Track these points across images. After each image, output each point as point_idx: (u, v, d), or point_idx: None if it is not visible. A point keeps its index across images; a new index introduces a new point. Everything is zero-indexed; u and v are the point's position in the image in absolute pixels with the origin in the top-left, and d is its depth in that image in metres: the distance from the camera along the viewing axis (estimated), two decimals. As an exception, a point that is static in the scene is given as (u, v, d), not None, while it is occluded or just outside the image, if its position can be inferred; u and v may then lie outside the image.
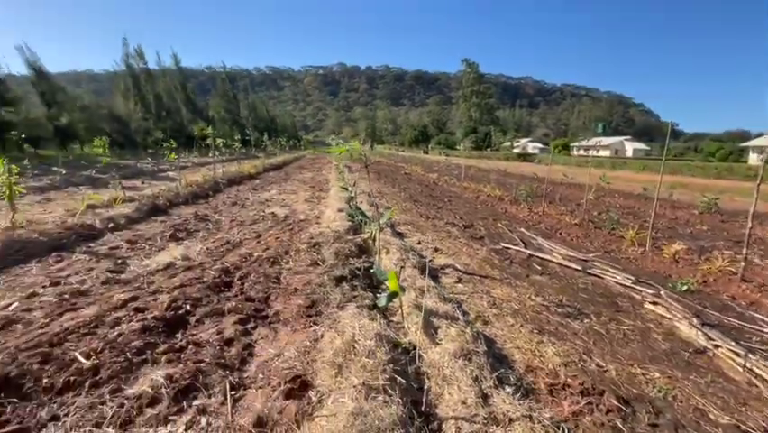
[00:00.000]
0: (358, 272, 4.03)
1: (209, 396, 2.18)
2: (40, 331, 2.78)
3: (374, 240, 5.18)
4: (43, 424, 1.91)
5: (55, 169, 12.21)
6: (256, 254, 4.97)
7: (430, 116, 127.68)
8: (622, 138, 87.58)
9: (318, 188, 12.97)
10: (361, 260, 4.52)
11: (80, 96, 29.71)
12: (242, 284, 3.91)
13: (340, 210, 7.30)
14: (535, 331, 3.19)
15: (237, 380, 2.36)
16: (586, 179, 10.85)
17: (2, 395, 2.06)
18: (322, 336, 2.80)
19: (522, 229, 7.51)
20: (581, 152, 69.10)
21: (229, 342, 2.78)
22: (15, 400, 2.04)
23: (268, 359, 2.64)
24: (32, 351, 2.45)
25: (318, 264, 4.69)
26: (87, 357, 2.38)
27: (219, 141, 14.35)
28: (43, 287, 3.59)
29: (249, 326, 3.07)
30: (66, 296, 3.39)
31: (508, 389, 2.16)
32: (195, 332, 2.89)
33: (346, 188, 11.03)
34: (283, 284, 4.05)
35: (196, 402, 2.12)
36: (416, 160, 40.39)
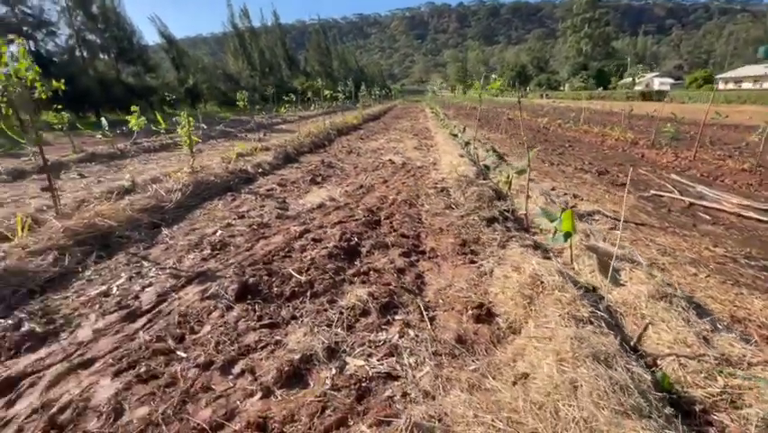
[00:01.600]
0: (507, 214, 3.98)
1: (407, 313, 2.45)
2: (249, 252, 3.36)
3: (509, 184, 5.03)
4: (287, 321, 2.36)
5: (196, 124, 14.07)
6: (391, 197, 5.21)
7: (529, 54, 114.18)
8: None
9: (422, 135, 12.84)
10: (503, 203, 4.44)
11: (200, 58, 33.08)
12: (391, 223, 4.17)
13: (461, 156, 7.17)
14: (729, 282, 2.85)
15: (422, 303, 2.59)
16: (744, 118, 8.84)
17: (249, 298, 2.58)
18: (491, 271, 2.88)
19: (673, 176, 6.55)
20: (730, 85, 55.93)
21: (401, 271, 3.03)
22: (259, 301, 2.55)
23: (440, 288, 2.83)
24: (253, 267, 3.00)
25: (453, 207, 4.76)
26: (300, 273, 2.82)
27: (327, 92, 14.84)
28: (234, 219, 4.30)
29: (412, 258, 3.30)
30: (254, 226, 4.01)
31: (727, 334, 2.00)
32: (370, 260, 3.20)
33: (455, 135, 10.75)
34: (426, 224, 4.22)
35: (397, 317, 2.40)
36: (514, 104, 37.11)
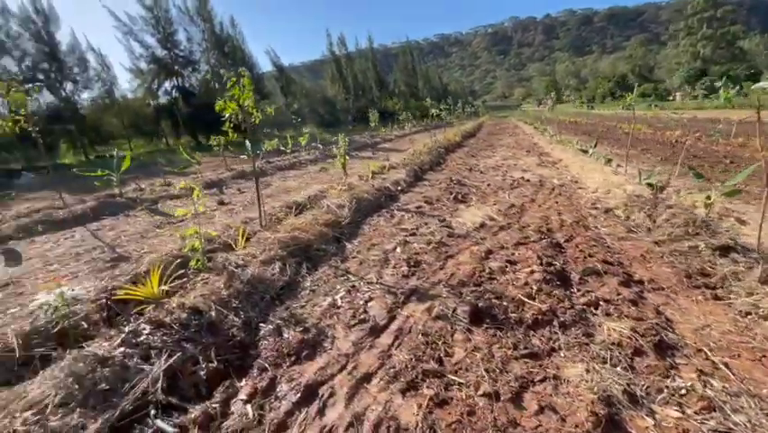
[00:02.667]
0: (730, 242, 3.39)
1: (687, 357, 2.11)
2: (443, 271, 3.31)
3: (709, 207, 4.35)
4: (547, 353, 2.18)
5: (314, 144, 15.20)
6: (554, 218, 4.86)
7: (629, 62, 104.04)
8: None
9: (536, 152, 12.17)
10: (707, 228, 3.82)
11: (303, 84, 36.25)
12: (576, 246, 3.83)
13: (614, 173, 6.52)
14: None
15: (691, 345, 2.22)
16: None
17: (486, 322, 2.48)
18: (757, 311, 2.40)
19: None
20: None
21: (633, 303, 2.69)
22: (500, 327, 2.42)
23: (696, 328, 2.42)
24: (468, 288, 2.91)
25: (634, 231, 4.26)
26: (530, 299, 2.65)
27: (434, 111, 15.03)
28: (405, 236, 4.34)
29: (633, 288, 2.93)
30: (433, 244, 3.99)
31: None
32: (588, 288, 2.92)
33: (585, 151, 9.95)
34: (616, 249, 3.79)
35: (678, 360, 2.08)
36: (621, 117, 33.75)
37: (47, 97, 15.60)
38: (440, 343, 2.31)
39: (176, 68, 20.74)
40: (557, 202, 5.69)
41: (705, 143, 12.70)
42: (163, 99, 21.31)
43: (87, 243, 4.78)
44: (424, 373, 2.04)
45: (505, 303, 2.63)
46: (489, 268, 3.30)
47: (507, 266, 3.31)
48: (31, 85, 14.11)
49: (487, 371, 2.03)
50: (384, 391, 1.94)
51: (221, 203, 6.65)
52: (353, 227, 4.71)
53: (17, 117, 5.90)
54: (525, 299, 2.65)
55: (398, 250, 3.95)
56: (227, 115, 4.19)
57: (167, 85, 21.34)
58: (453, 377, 2.01)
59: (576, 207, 5.37)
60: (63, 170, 13.67)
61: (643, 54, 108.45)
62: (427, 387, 1.94)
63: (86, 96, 17.22)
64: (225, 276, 2.87)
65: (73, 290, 2.35)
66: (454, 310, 2.62)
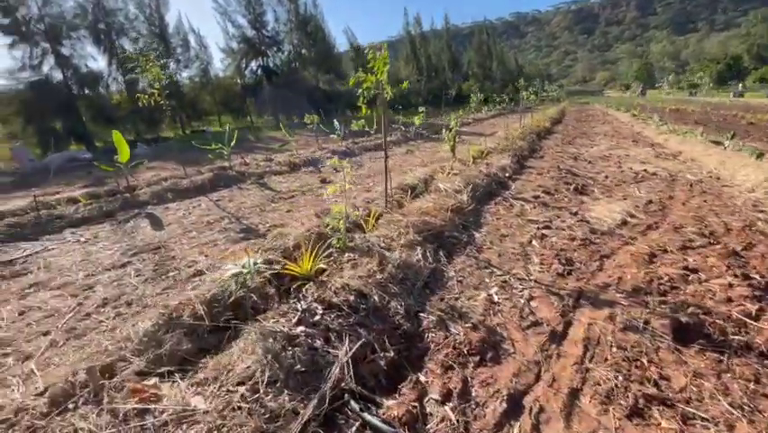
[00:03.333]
0: None
1: None
2: (605, 274, 2.90)
3: None
4: None
5: (395, 126, 15.02)
6: (711, 219, 4.14)
7: (745, 41, 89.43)
8: None
9: (644, 142, 10.81)
10: None
11: (377, 65, 35.99)
12: (763, 256, 3.17)
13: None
14: None
15: None
16: None
17: (697, 341, 2.07)
18: None
19: None
20: None
21: None
22: (720, 350, 2.01)
23: None
24: (651, 297, 2.50)
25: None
26: (753, 319, 2.18)
27: (524, 93, 14.00)
28: (537, 228, 3.96)
29: None
30: (576, 241, 3.57)
31: None
32: (817, 313, 2.35)
33: (718, 142, 8.59)
34: (820, 265, 3.08)
35: None
36: (733, 106, 29.19)
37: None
38: (644, 361, 1.96)
39: (262, 48, 21.60)
40: (705, 201, 4.88)
41: None
42: (250, 79, 22.39)
43: (213, 212, 5.05)
44: (645, 398, 1.72)
45: (718, 321, 2.19)
46: (666, 274, 2.83)
47: (688, 274, 2.82)
48: (163, 60, 15.63)
49: (732, 406, 1.66)
50: (604, 414, 1.66)
51: (323, 181, 6.72)
52: (475, 215, 4.42)
53: (153, 90, 6.37)
54: (746, 319, 2.18)
55: (536, 244, 3.59)
56: (360, 91, 4.04)
57: (253, 64, 22.38)
58: (688, 408, 1.67)
59: (733, 208, 4.56)
60: (166, 142, 15.00)
61: (764, 31, 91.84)
62: (660, 416, 1.62)
63: (185, 74, 18.63)
64: (377, 259, 2.75)
65: (256, 263, 2.35)
66: (647, 323, 2.24)
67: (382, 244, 3.07)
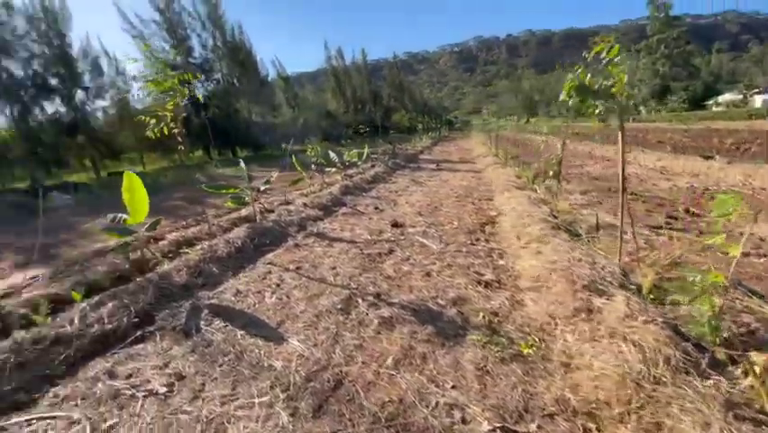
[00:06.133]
0: None
1: None
2: None
3: None
4: None
5: (374, 156, 13.87)
6: None
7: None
8: None
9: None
10: None
11: (306, 96, 34.82)
12: None
13: None
14: None
15: None
16: None
17: None
18: None
19: None
20: None
21: None
22: None
23: None
24: None
25: None
26: None
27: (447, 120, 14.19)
28: None
29: None
30: None
31: None
32: None
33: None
34: None
35: None
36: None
37: (58, 106, 13.41)
38: None
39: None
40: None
41: None
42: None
43: (313, 289, 3.34)
44: None
45: None
46: None
47: None
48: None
49: None
50: None
51: (395, 225, 5.31)
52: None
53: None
54: None
55: None
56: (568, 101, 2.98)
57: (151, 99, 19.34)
58: None
59: None
60: (87, 188, 11.54)
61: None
62: None
63: (99, 104, 15.07)
64: None
65: None
66: None
67: None
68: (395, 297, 3.12)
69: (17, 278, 4.17)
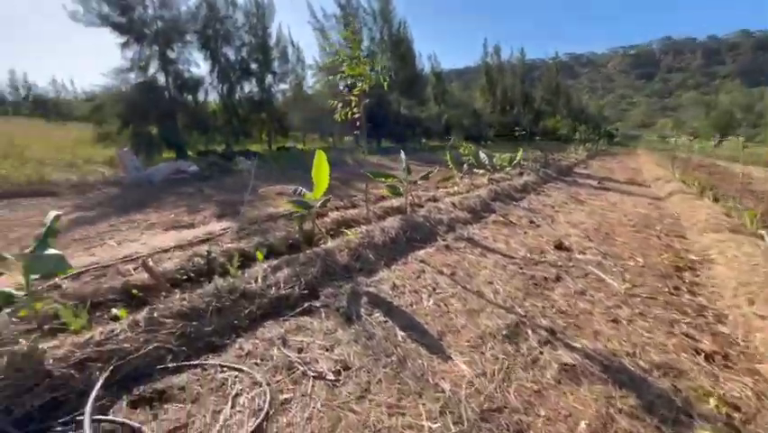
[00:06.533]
0: None
1: None
2: None
3: None
4: None
5: (523, 163, 12.88)
6: None
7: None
8: None
9: None
10: None
11: (453, 93, 34.58)
12: None
13: None
14: None
15: None
16: None
17: None
18: None
19: None
20: None
21: None
22: None
23: None
24: None
25: None
26: None
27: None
28: None
29: None
30: None
31: None
32: None
33: None
34: None
35: None
36: None
37: (253, 86, 16.18)
38: None
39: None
40: None
41: None
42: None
43: (472, 303, 2.99)
44: None
45: None
46: None
47: None
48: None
49: None
50: None
51: (559, 246, 4.58)
52: None
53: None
54: None
55: None
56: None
57: (341, 83, 21.27)
58: None
59: None
60: (261, 158, 13.61)
61: None
62: None
63: (280, 87, 17.64)
64: None
65: None
66: None
67: None
68: (574, 339, 2.57)
69: (215, 226, 4.98)
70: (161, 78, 13.17)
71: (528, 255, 4.31)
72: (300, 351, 2.26)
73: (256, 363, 2.14)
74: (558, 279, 3.68)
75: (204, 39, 14.17)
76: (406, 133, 26.39)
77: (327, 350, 2.28)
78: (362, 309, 2.79)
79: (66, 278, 2.83)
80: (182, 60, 13.58)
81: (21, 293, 2.01)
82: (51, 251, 2.01)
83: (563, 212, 6.98)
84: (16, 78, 45.37)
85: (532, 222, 5.99)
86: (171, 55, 13.33)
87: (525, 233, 5.36)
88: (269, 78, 16.70)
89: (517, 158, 10.51)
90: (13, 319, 2.02)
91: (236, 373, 2.04)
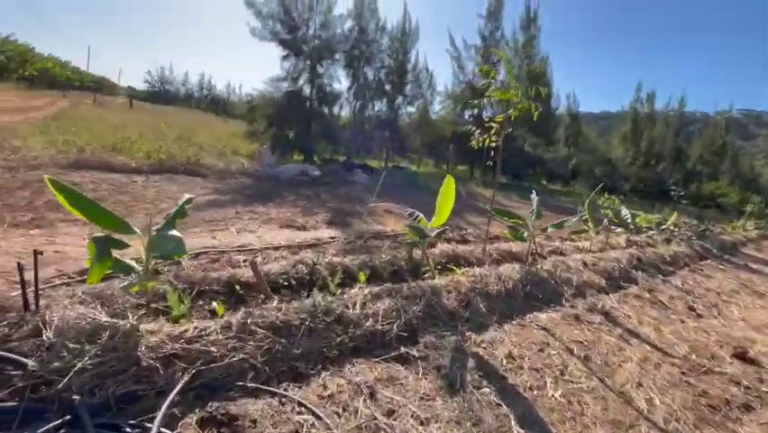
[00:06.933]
0: None
1: None
2: None
3: None
4: None
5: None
6: None
7: None
8: None
9: None
10: None
11: (588, 136, 31.41)
12: None
13: None
14: None
15: None
16: None
17: None
18: None
19: None
20: None
21: None
22: None
23: None
24: None
25: None
26: None
27: None
28: None
29: None
30: None
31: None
32: None
33: None
34: None
35: None
36: None
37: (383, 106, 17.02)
38: None
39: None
40: None
41: None
42: (458, 126, 21.08)
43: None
44: None
45: None
46: None
47: None
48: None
49: None
50: None
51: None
52: None
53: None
54: None
55: None
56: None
57: (466, 112, 21.01)
58: None
59: None
60: (377, 173, 14.00)
61: None
62: None
63: (407, 110, 18.20)
64: None
65: None
66: None
67: None
68: None
69: (323, 233, 4.97)
70: (307, 90, 14.67)
71: (694, 358, 3.21)
72: (390, 415, 1.84)
73: (337, 414, 1.78)
74: (747, 407, 2.59)
75: (349, 58, 15.41)
76: (526, 173, 24.70)
77: (422, 424, 1.81)
78: (468, 376, 2.25)
79: (185, 256, 2.94)
80: (327, 76, 14.97)
81: (140, 267, 2.04)
82: (174, 232, 2.01)
83: (736, 304, 5.33)
84: (204, 81, 56.60)
85: (692, 309, 4.64)
86: (320, 70, 14.80)
87: (683, 322, 4.13)
88: (399, 100, 17.32)
89: (669, 221, 8.66)
90: (129, 292, 2.07)
91: (314, 419, 1.71)
